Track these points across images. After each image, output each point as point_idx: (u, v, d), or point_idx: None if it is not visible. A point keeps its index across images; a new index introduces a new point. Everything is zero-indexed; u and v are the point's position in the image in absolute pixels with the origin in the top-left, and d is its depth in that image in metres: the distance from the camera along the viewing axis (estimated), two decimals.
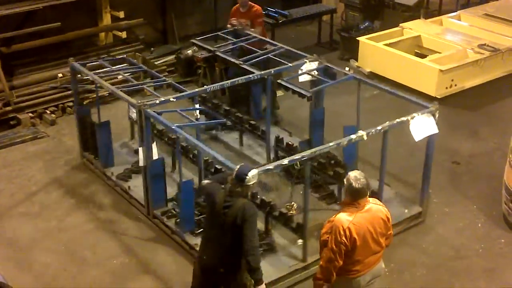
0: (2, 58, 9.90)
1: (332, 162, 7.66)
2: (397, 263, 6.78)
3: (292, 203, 7.14)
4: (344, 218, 5.04)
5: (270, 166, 5.99)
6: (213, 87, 7.89)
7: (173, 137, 7.77)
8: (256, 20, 9.90)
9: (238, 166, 5.32)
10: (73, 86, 8.37)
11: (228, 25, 9.95)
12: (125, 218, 7.52)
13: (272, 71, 8.07)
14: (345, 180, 5.14)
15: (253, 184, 5.26)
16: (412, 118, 6.77)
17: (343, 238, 4.98)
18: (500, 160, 8.33)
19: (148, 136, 6.99)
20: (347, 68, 11.54)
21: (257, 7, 10.01)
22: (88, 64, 8.53)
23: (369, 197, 5.18)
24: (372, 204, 5.18)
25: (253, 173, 5.23)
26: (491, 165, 8.58)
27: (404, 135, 7.05)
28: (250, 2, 9.99)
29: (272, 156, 8.31)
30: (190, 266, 5.91)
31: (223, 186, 5.43)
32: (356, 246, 5.04)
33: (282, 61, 8.26)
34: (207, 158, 7.32)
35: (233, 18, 9.92)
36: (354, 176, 5.07)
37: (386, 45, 11.33)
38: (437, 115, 6.93)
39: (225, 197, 5.24)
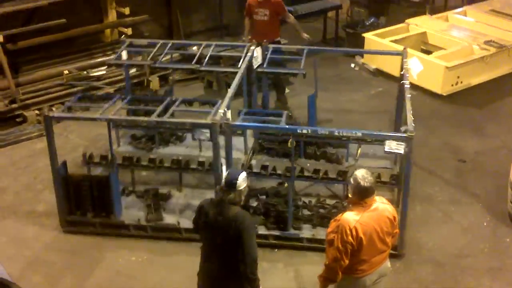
0: (7, 55, 9.90)
1: None
2: (403, 262, 6.78)
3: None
4: (351, 217, 5.03)
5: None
6: None
7: None
8: (279, 9, 9.89)
9: (226, 173, 5.16)
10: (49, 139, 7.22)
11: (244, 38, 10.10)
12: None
13: None
14: (351, 179, 5.10)
15: (244, 188, 5.06)
16: None
17: (350, 237, 4.96)
18: (506, 158, 8.32)
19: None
20: (352, 65, 11.56)
21: None
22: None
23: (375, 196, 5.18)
24: (379, 203, 5.16)
25: (242, 176, 5.05)
26: (497, 163, 8.55)
27: None
28: None
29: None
30: None
31: (212, 198, 5.30)
32: (362, 245, 5.02)
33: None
34: None
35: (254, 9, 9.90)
36: (361, 175, 5.05)
37: (392, 41, 11.30)
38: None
39: (217, 208, 5.03)
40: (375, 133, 7.12)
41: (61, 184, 7.07)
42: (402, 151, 6.21)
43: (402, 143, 6.20)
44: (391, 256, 5.58)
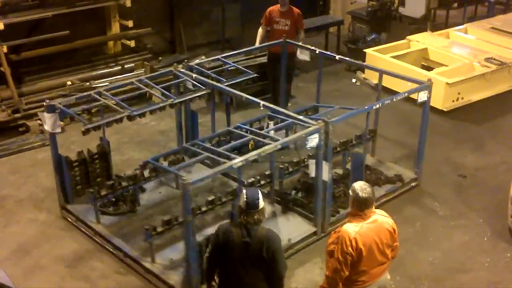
0: (11, 65, 9.98)
1: None
2: (403, 276, 6.79)
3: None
4: (350, 228, 5.07)
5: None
6: None
7: None
8: (300, 23, 10.10)
9: (245, 194, 4.98)
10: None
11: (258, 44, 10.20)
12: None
13: None
14: (350, 191, 5.16)
15: (264, 206, 4.99)
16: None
17: (349, 248, 5.00)
18: (506, 174, 8.36)
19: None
20: (354, 80, 11.62)
21: (297, 9, 10.15)
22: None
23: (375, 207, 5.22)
24: (378, 215, 5.21)
25: (261, 195, 4.98)
26: (497, 178, 8.59)
27: None
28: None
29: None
30: None
31: (231, 221, 5.25)
32: (362, 256, 5.06)
33: None
34: None
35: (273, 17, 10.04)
36: (360, 186, 5.10)
37: (393, 57, 11.37)
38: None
39: (241, 229, 4.92)
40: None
41: None
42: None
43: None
44: (391, 269, 5.60)
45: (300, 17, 10.11)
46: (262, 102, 7.30)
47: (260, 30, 10.27)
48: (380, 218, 5.21)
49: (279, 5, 10.04)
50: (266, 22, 10.16)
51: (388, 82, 10.86)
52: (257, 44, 10.21)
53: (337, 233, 5.16)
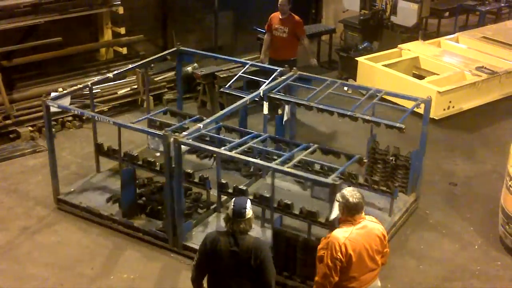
0: (3, 71, 9.94)
1: None
2: (394, 284, 6.79)
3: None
4: (340, 234, 5.08)
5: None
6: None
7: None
8: (300, 30, 10.13)
9: (233, 202, 4.97)
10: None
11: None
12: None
13: None
14: (339, 197, 5.16)
15: (252, 215, 4.95)
16: None
17: (339, 254, 5.01)
18: (497, 182, 8.37)
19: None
20: (345, 88, 11.61)
21: (297, 17, 10.18)
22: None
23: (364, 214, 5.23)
24: (367, 221, 5.22)
25: (249, 204, 4.94)
26: (488, 187, 8.62)
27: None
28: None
29: None
30: None
31: (217, 230, 5.21)
32: (351, 262, 5.07)
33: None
34: None
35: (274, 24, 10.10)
36: (349, 192, 5.13)
37: (384, 65, 11.42)
38: None
39: (229, 238, 4.90)
40: None
41: None
42: None
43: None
44: (382, 277, 5.60)
45: (300, 25, 10.13)
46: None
47: (265, 37, 10.35)
48: (369, 224, 5.22)
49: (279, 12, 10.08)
50: (268, 28, 10.21)
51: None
52: (262, 51, 10.35)
53: (327, 239, 5.18)
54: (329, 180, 5.99)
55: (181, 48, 9.00)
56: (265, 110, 7.93)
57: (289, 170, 6.34)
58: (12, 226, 7.68)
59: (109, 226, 7.57)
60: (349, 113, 7.46)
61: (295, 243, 6.42)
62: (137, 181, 7.74)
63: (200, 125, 7.06)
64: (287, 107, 8.15)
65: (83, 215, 7.75)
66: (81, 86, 8.21)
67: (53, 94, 7.93)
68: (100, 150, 8.35)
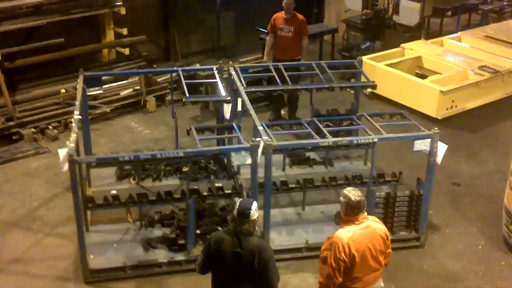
0: (5, 73, 9.94)
1: None
2: (397, 284, 6.78)
3: None
4: (343, 234, 5.08)
5: None
6: None
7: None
8: (303, 29, 10.12)
9: (239, 202, 4.97)
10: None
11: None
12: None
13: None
14: (341, 197, 5.16)
15: (257, 217, 4.93)
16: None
17: (342, 254, 5.01)
18: (500, 182, 8.36)
19: None
20: (348, 88, 11.58)
21: (301, 16, 10.17)
22: None
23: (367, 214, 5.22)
24: (370, 221, 5.22)
25: (255, 206, 4.91)
26: (491, 187, 8.61)
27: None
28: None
29: None
30: None
31: (223, 229, 5.18)
32: (355, 262, 5.06)
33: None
34: None
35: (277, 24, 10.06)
36: (350, 191, 5.13)
37: (387, 65, 11.39)
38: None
39: (233, 239, 4.89)
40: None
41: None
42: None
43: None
44: (386, 277, 5.59)
45: (304, 24, 10.14)
46: None
47: (267, 39, 10.31)
48: (372, 224, 5.21)
49: (283, 12, 10.05)
50: (271, 29, 10.19)
51: (385, 91, 10.92)
52: (265, 53, 10.31)
53: (330, 239, 5.17)
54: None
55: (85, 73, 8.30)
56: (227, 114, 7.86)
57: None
58: (15, 228, 7.67)
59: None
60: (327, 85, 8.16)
61: None
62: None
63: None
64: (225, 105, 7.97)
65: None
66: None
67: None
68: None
